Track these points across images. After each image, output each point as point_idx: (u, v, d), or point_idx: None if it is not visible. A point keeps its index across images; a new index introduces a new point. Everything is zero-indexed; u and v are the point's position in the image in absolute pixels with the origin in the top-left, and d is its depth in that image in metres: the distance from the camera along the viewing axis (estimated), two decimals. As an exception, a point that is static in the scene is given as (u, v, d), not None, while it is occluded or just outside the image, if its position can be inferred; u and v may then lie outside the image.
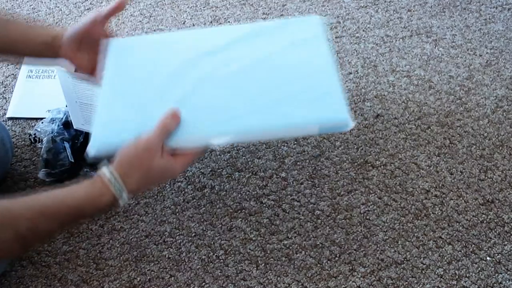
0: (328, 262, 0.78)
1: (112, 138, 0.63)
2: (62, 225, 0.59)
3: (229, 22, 1.13)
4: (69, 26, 0.73)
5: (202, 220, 0.83)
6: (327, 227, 0.82)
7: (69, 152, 0.85)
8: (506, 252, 0.79)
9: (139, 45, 0.74)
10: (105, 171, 0.59)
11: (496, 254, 0.79)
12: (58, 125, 0.87)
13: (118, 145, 0.61)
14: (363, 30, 1.12)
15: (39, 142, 0.89)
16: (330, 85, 0.66)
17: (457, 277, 0.77)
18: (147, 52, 0.72)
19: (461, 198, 0.85)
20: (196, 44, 0.71)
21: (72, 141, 0.86)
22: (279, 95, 0.64)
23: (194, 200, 0.85)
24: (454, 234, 0.81)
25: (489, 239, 0.80)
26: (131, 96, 0.67)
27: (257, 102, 0.64)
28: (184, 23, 1.13)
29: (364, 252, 0.79)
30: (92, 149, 0.62)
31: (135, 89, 0.68)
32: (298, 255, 0.79)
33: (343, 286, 0.76)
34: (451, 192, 0.86)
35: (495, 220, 0.82)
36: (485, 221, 0.82)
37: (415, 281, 0.76)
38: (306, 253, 0.79)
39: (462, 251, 0.79)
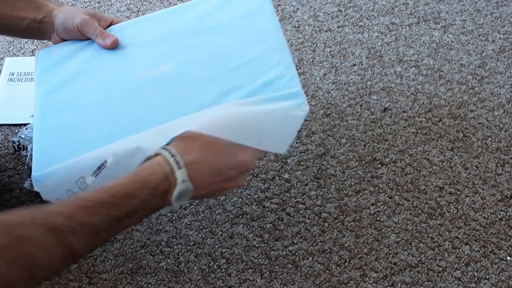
0: (338, 268, 0.79)
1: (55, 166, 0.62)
2: (112, 219, 0.49)
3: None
4: (57, 16, 0.75)
5: (201, 227, 0.83)
6: (335, 230, 0.82)
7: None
8: (528, 250, 0.79)
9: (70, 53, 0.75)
10: (156, 149, 0.53)
11: (517, 254, 0.79)
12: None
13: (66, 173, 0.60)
14: (367, 18, 1.12)
15: (23, 149, 0.89)
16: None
17: (476, 279, 0.77)
18: (78, 59, 0.73)
19: (477, 195, 0.85)
20: (134, 38, 0.73)
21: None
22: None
23: (192, 206, 0.85)
24: (471, 234, 0.81)
25: (509, 237, 0.81)
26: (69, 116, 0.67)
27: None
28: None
29: (375, 256, 0.80)
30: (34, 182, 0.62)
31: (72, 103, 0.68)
32: (305, 261, 0.79)
33: (354, 293, 0.76)
34: (467, 189, 0.86)
35: (515, 217, 0.82)
36: (504, 219, 0.83)
37: (431, 285, 0.76)
38: (314, 259, 0.79)
39: (481, 251, 0.80)
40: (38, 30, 0.75)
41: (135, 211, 0.51)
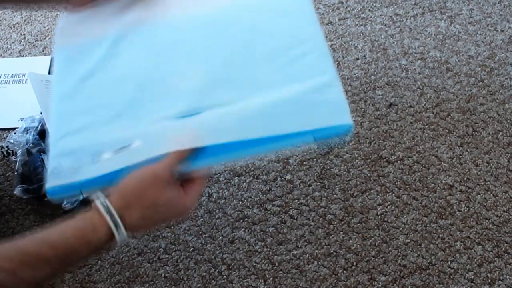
0: (344, 272, 0.78)
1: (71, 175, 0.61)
2: (54, 270, 0.54)
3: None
4: None
5: (200, 232, 0.83)
6: (341, 232, 0.82)
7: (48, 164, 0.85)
8: (543, 249, 0.79)
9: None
10: (98, 202, 0.55)
11: (532, 253, 0.79)
12: (33, 135, 0.87)
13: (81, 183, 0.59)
14: (369, 10, 1.12)
15: (13, 155, 0.89)
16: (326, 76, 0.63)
17: (489, 280, 0.77)
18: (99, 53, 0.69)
19: (489, 192, 0.85)
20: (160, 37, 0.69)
21: (49, 152, 0.86)
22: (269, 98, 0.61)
23: (190, 210, 0.85)
24: (484, 233, 0.81)
25: (523, 236, 0.81)
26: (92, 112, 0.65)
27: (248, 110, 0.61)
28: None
29: (383, 258, 0.80)
30: (48, 191, 0.61)
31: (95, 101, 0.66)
32: (310, 266, 0.79)
33: (363, 298, 0.76)
34: (478, 186, 0.86)
35: (529, 215, 0.82)
36: (517, 217, 0.83)
37: (443, 288, 0.77)
38: (319, 263, 0.79)
39: (494, 251, 0.80)
40: None
41: (76, 262, 0.57)
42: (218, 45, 0.68)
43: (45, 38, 1.09)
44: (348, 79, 1.00)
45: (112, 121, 0.64)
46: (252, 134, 0.59)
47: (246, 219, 0.84)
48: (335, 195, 0.86)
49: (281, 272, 0.79)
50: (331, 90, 0.63)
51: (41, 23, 1.12)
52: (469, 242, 0.81)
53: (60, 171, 0.62)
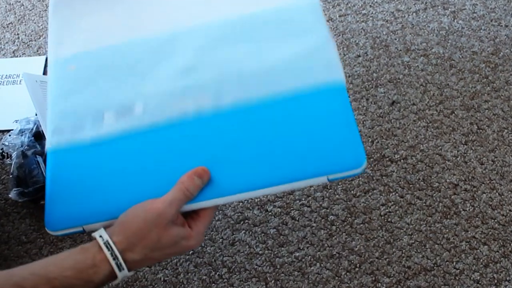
0: (347, 274, 0.78)
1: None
2: None
3: None
4: None
5: (200, 235, 0.83)
6: (344, 234, 0.82)
7: (43, 167, 0.85)
8: (550, 249, 0.79)
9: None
10: (101, 241, 0.54)
11: (539, 253, 0.79)
12: (29, 137, 0.87)
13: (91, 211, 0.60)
14: (370, 6, 1.12)
15: (7, 157, 0.89)
16: (340, 114, 0.61)
17: (496, 281, 0.77)
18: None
19: (494, 191, 0.85)
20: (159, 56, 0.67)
21: (45, 154, 0.86)
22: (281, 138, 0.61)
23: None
24: (490, 233, 0.81)
25: (529, 235, 0.81)
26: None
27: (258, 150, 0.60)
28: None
29: (387, 259, 0.79)
30: (48, 225, 0.60)
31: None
32: (312, 268, 0.79)
33: (366, 300, 0.76)
34: (483, 185, 0.86)
35: (535, 214, 0.82)
36: (524, 216, 0.83)
37: (448, 289, 0.77)
38: (322, 265, 0.79)
39: (500, 251, 0.80)
40: None
41: None
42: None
43: (39, 38, 1.09)
44: (349, 76, 1.00)
45: (114, 81, 0.65)
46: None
47: (246, 220, 0.84)
48: (337, 196, 0.86)
49: (282, 274, 0.79)
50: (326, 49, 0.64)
51: (35, 23, 1.12)
52: (475, 242, 0.81)
53: (63, 130, 0.64)
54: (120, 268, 0.54)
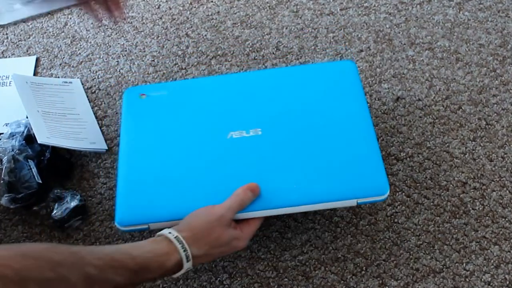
0: (353, 277, 0.78)
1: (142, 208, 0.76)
2: (127, 282, 0.62)
3: (211, 1, 1.13)
4: None
5: (199, 239, 0.83)
6: (349, 236, 0.82)
7: (35, 171, 0.85)
8: None
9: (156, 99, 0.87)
10: (170, 233, 0.67)
11: (552, 252, 0.79)
12: (19, 141, 0.87)
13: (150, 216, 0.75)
14: (373, -2, 1.12)
15: (-2, 162, 0.89)
16: (368, 151, 0.78)
17: (507, 282, 0.77)
18: (163, 112, 0.86)
19: (505, 189, 0.85)
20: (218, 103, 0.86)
21: (37, 158, 0.86)
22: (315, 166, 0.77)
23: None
24: (501, 232, 0.81)
25: (542, 234, 0.81)
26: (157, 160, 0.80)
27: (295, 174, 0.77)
28: (158, 7, 1.13)
29: (395, 262, 0.80)
30: (118, 221, 0.75)
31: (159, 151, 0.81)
32: (317, 272, 0.79)
33: (374, 304, 0.76)
34: (493, 183, 0.86)
35: (548, 212, 0.82)
36: (535, 214, 0.83)
37: (459, 292, 0.77)
38: (327, 268, 0.79)
39: (512, 251, 0.80)
40: None
41: (146, 280, 0.70)
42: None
43: (29, 38, 1.09)
44: (352, 72, 1.00)
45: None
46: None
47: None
48: (341, 196, 0.86)
49: (286, 279, 0.79)
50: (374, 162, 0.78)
51: (24, 22, 1.12)
52: (485, 242, 0.81)
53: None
54: (187, 259, 0.66)
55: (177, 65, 1.03)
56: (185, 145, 0.81)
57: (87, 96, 1.00)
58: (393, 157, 0.89)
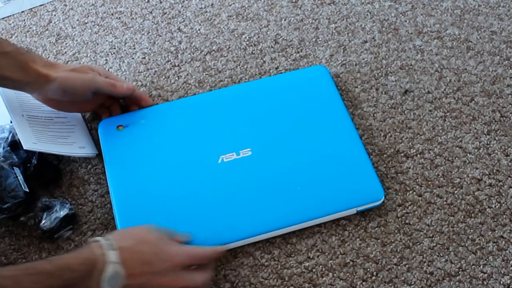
0: (364, 283, 0.79)
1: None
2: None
3: (205, -7, 1.13)
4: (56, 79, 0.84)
5: (198, 247, 0.83)
6: (357, 239, 0.82)
7: (22, 179, 0.85)
8: None
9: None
10: (96, 239, 0.68)
11: None
12: (4, 147, 0.87)
13: None
14: (376, -14, 1.12)
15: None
16: (356, 159, 0.85)
17: (528, 285, 0.77)
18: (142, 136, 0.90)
19: (522, 185, 0.86)
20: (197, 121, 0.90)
21: (23, 165, 0.86)
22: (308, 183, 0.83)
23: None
24: (519, 231, 0.82)
25: None
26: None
27: (286, 194, 0.82)
28: (148, 1, 1.13)
29: (407, 266, 0.80)
30: None
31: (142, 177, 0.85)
32: (324, 278, 0.79)
33: (386, 311, 0.76)
34: (509, 178, 0.86)
35: None
36: (556, 211, 0.83)
37: (476, 296, 0.77)
38: (335, 275, 0.79)
39: (531, 251, 0.80)
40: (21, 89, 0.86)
41: (74, 284, 0.65)
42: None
43: (11, 37, 1.09)
44: (356, 65, 1.00)
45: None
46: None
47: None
48: (348, 197, 0.86)
49: (292, 287, 0.79)
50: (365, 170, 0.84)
51: (5, 21, 1.12)
52: (503, 242, 0.81)
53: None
54: (111, 247, 0.66)
55: (169, 62, 1.03)
56: (176, 175, 0.84)
57: (75, 98, 1.00)
58: (402, 154, 0.89)
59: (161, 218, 0.80)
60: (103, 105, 0.93)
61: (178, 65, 1.03)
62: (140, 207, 0.82)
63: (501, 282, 0.77)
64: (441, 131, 0.92)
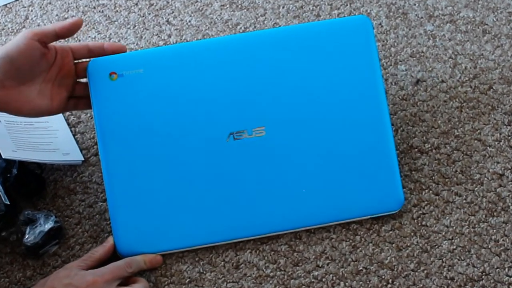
0: (378, 292, 0.79)
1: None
2: None
3: (195, -19, 1.13)
4: None
5: (196, 259, 0.83)
6: (370, 244, 0.82)
7: (2, 191, 0.85)
8: None
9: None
10: None
11: None
12: (-19, 157, 0.87)
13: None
14: (381, -33, 1.12)
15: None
16: (384, 155, 0.83)
17: (558, 288, 0.77)
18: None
19: (548, 179, 0.86)
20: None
21: (3, 176, 0.86)
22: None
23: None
24: (546, 230, 0.82)
25: None
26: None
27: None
28: (134, -8, 1.13)
29: (425, 271, 0.79)
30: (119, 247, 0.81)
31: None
32: (335, 288, 0.79)
33: (404, 322, 0.76)
34: (534, 172, 0.86)
35: None
36: None
37: (502, 302, 0.77)
38: (347, 284, 0.79)
39: (561, 251, 0.80)
40: None
41: None
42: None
43: (-15, 36, 1.09)
44: (362, 54, 1.00)
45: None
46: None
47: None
48: (359, 199, 0.86)
49: (300, 299, 0.79)
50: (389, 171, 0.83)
51: (-22, 18, 1.12)
52: (529, 242, 0.81)
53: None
54: None
55: (159, 58, 1.03)
56: (175, 152, 0.81)
57: (57, 100, 1.00)
58: (416, 149, 0.89)
59: (157, 209, 0.80)
60: (73, 97, 0.86)
61: (168, 61, 1.03)
62: (140, 194, 0.80)
63: (529, 286, 0.78)
64: (457, 123, 0.92)
